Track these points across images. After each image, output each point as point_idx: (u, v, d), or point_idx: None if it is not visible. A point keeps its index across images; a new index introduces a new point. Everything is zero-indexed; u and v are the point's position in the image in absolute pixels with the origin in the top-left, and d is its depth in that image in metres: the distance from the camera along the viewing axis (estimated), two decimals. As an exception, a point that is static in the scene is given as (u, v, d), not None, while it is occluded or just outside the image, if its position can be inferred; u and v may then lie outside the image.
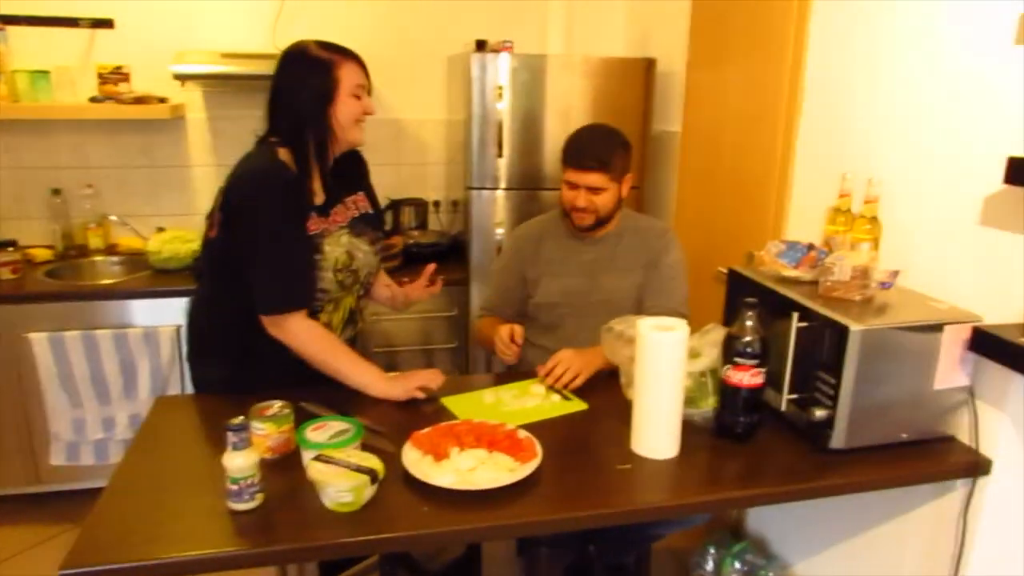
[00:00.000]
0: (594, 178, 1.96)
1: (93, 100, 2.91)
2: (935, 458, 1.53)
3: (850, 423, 1.48)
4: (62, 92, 2.95)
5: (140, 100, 2.91)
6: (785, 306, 1.59)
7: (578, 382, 1.80)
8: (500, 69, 2.75)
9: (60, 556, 1.14)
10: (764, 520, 2.30)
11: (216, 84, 3.07)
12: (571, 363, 1.81)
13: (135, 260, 2.97)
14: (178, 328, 2.66)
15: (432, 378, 1.75)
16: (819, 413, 1.50)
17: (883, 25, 1.78)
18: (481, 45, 2.81)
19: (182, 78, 2.78)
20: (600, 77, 2.84)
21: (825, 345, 1.50)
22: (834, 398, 1.47)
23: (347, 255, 1.79)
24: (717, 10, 2.50)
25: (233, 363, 1.81)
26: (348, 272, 1.81)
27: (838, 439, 1.49)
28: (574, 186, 1.99)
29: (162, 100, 2.96)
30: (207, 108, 3.15)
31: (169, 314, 2.67)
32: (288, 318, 1.67)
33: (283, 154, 1.70)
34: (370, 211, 1.91)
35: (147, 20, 3.00)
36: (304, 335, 1.69)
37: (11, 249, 2.72)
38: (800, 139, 2.11)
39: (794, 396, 1.58)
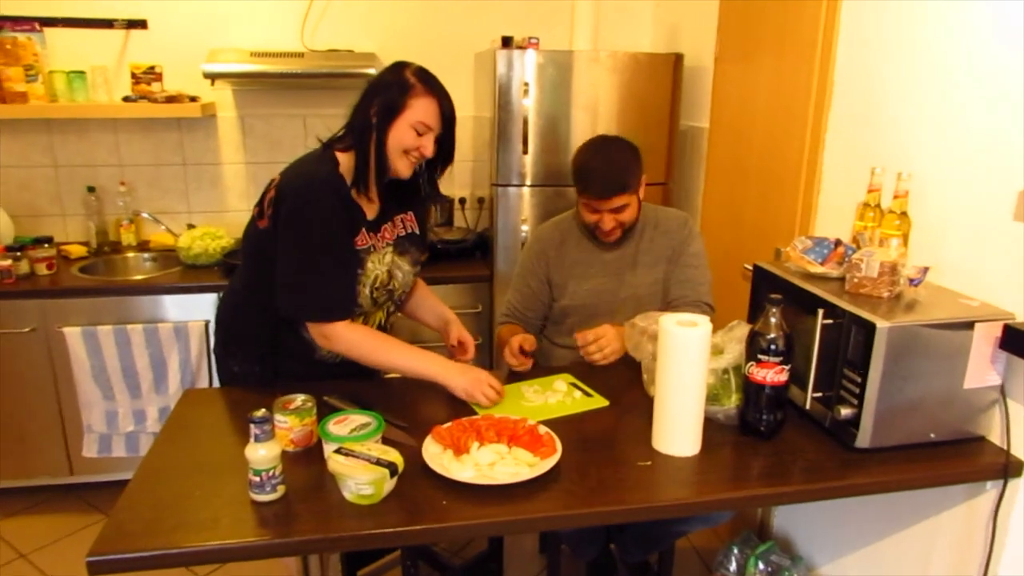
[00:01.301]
0: (617, 201, 1.93)
1: (127, 99, 2.97)
2: (965, 459, 1.49)
3: (876, 422, 1.45)
4: (97, 92, 3.01)
5: (172, 99, 2.96)
6: (811, 303, 1.57)
7: (608, 360, 1.86)
8: (526, 65, 2.75)
9: (90, 546, 1.16)
10: (790, 520, 2.27)
11: (246, 83, 3.11)
12: (606, 342, 1.86)
13: (166, 256, 3.03)
14: (207, 323, 2.71)
15: (495, 396, 1.69)
16: (844, 411, 1.47)
17: (916, 17, 1.75)
18: (507, 42, 2.81)
19: (212, 77, 2.82)
20: (627, 73, 2.82)
21: (851, 342, 1.47)
22: (860, 396, 1.45)
23: (387, 274, 1.79)
24: (746, 4, 2.47)
25: (261, 358, 1.83)
26: (384, 291, 1.81)
27: (864, 438, 1.46)
28: (596, 211, 1.96)
29: (193, 99, 3.00)
30: (237, 107, 3.20)
31: (198, 309, 2.72)
32: (335, 326, 1.68)
33: (344, 161, 1.69)
34: (416, 231, 1.89)
35: (179, 20, 3.05)
36: (354, 339, 1.69)
37: (47, 245, 2.79)
38: (829, 133, 2.08)
39: (819, 394, 1.56)
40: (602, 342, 1.86)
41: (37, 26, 2.95)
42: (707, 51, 2.76)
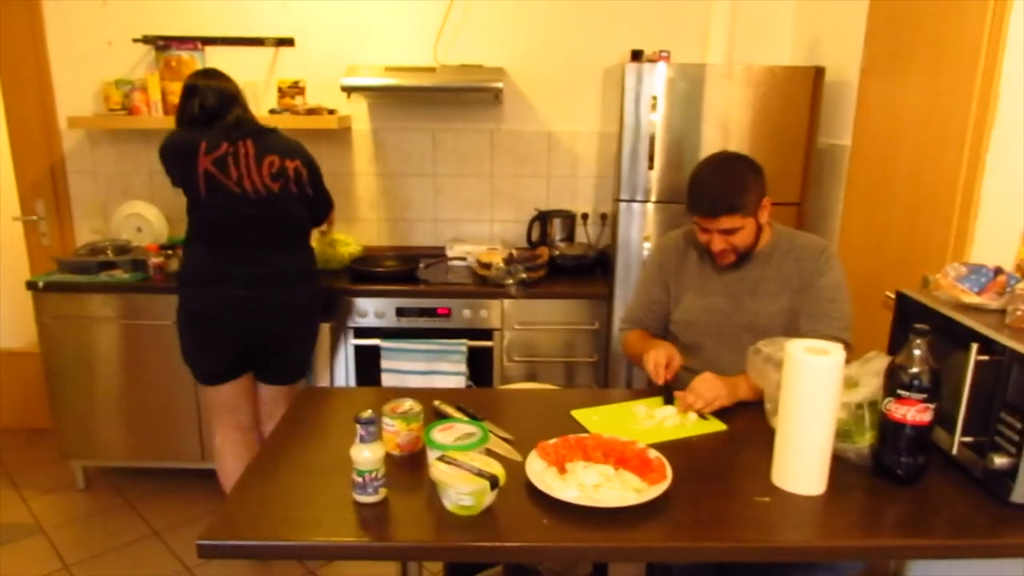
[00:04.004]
0: (726, 222, 1.80)
1: (272, 112, 3.15)
2: None
3: (1039, 475, 1.27)
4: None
5: (312, 111, 3.12)
6: (963, 336, 1.41)
7: (712, 408, 1.69)
8: (656, 79, 2.68)
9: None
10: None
11: (380, 96, 3.23)
12: (708, 389, 1.70)
13: (299, 260, 3.17)
14: (331, 326, 2.81)
15: None
16: (999, 460, 1.30)
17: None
18: (637, 55, 2.75)
19: (349, 90, 2.94)
20: (763, 87, 2.69)
21: (1011, 383, 1.30)
22: (1019, 445, 1.27)
23: None
24: (898, 13, 2.30)
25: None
26: None
27: (1022, 492, 1.28)
28: (705, 230, 1.85)
29: (331, 112, 3.15)
30: (371, 120, 3.32)
31: (325, 313, 2.83)
32: None
33: None
34: None
35: (323, 38, 3.22)
36: None
37: (195, 246, 2.99)
38: (991, 152, 1.88)
39: (969, 439, 1.39)
40: (699, 389, 1.70)
41: (199, 45, 3.19)
42: (851, 64, 2.59)
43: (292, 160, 2.37)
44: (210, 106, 2.30)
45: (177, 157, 2.30)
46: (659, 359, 1.81)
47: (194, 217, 2.34)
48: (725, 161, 1.86)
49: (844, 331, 1.83)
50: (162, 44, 3.17)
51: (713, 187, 1.81)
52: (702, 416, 1.68)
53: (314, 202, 2.50)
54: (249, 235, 2.32)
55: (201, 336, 2.37)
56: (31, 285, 2.81)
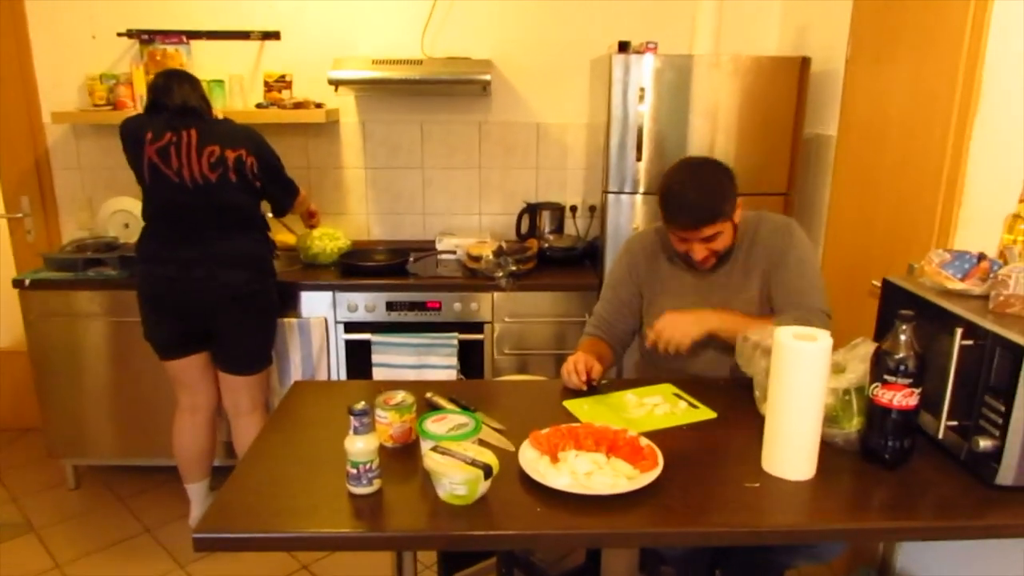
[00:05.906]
0: (708, 231, 1.80)
1: (259, 106, 3.14)
2: None
3: (1022, 457, 1.29)
4: (234, 99, 3.20)
5: (299, 105, 3.10)
6: (948, 322, 1.43)
7: (685, 346, 1.78)
8: (643, 70, 2.69)
9: (195, 521, 1.21)
10: (917, 561, 2.08)
11: (367, 89, 3.22)
12: (672, 330, 1.78)
13: (288, 255, 3.16)
14: (325, 319, 2.81)
15: None
16: (984, 443, 1.33)
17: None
18: (624, 46, 2.76)
19: (336, 83, 2.93)
20: (750, 77, 2.70)
21: (995, 367, 1.32)
22: (1003, 428, 1.30)
23: None
24: (882, 2, 2.31)
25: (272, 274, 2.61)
26: None
27: (1006, 474, 1.31)
28: (685, 240, 1.84)
29: (319, 105, 3.13)
30: (359, 112, 3.31)
31: (318, 306, 2.83)
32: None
33: None
34: None
35: (309, 31, 3.21)
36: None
37: (183, 241, 2.98)
38: (975, 140, 1.90)
39: (954, 423, 1.41)
40: (664, 334, 1.79)
41: (184, 39, 3.17)
42: (837, 54, 2.61)
43: (235, 150, 2.40)
44: (161, 96, 2.41)
45: (128, 142, 2.41)
46: (576, 363, 1.81)
47: (143, 200, 2.46)
48: (699, 170, 1.84)
49: (820, 301, 1.85)
50: (147, 38, 3.15)
51: (693, 198, 1.78)
52: (692, 405, 1.70)
53: (267, 192, 2.57)
54: (188, 222, 2.40)
55: (147, 310, 2.49)
56: (17, 283, 2.79)
